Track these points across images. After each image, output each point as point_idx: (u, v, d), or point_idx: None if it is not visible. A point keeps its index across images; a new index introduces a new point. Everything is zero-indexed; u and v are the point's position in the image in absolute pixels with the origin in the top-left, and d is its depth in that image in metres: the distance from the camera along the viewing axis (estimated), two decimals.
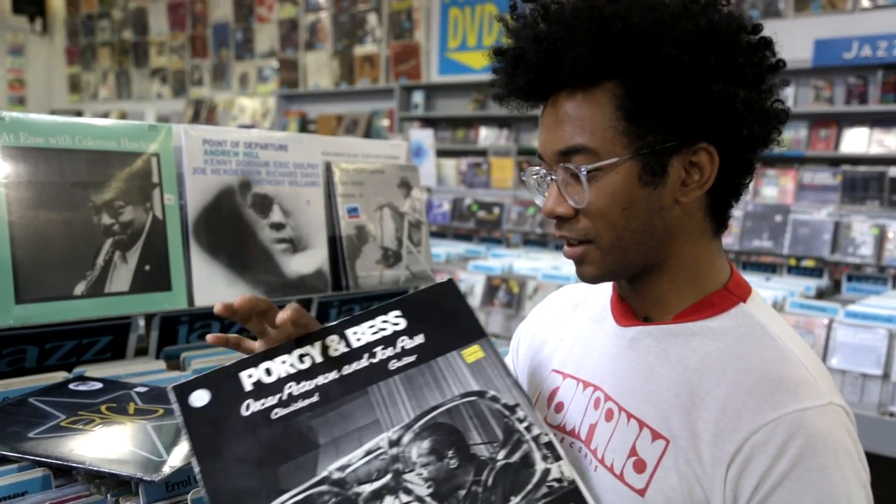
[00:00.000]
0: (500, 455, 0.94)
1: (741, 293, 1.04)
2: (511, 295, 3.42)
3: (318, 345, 1.01)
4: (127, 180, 1.47)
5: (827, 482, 0.87)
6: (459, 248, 4.44)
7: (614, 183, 0.96)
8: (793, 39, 6.30)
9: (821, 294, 3.33)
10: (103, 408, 1.21)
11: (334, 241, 1.81)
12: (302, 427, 0.94)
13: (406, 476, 0.91)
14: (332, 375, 0.99)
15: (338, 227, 1.81)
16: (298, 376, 0.98)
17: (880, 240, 3.39)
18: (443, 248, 4.29)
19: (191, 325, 1.63)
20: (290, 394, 0.96)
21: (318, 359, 1.00)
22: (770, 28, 1.00)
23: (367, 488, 0.90)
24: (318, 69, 9.98)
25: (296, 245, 1.71)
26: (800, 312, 2.83)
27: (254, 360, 0.98)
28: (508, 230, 4.84)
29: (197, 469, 0.89)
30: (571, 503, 0.92)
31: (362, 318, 1.05)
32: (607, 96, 0.96)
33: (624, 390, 1.03)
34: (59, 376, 1.36)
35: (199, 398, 0.93)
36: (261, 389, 0.96)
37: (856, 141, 6.31)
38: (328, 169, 1.83)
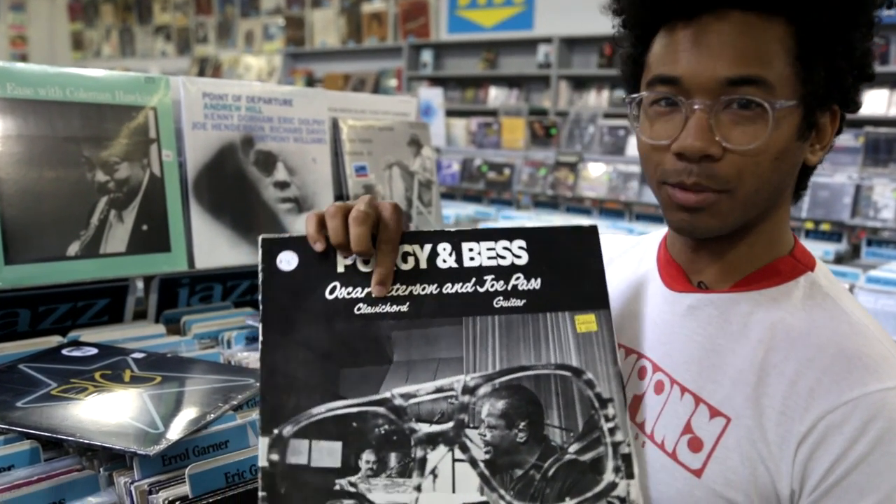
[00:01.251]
0: (573, 448, 0.85)
1: (808, 262, 0.99)
2: None
3: (427, 248, 0.92)
4: (123, 135, 1.43)
5: None
6: (469, 209, 4.44)
7: (784, 128, 0.88)
8: None
9: (840, 258, 3.31)
10: (97, 375, 1.18)
11: (341, 201, 1.76)
12: (381, 334, 0.88)
13: (468, 431, 0.85)
14: (431, 289, 0.90)
15: (345, 186, 1.78)
16: (399, 276, 0.90)
17: None
18: (452, 210, 4.28)
19: (191, 288, 1.60)
20: (393, 291, 0.90)
21: (423, 265, 0.91)
22: None
23: (424, 428, 0.84)
24: (325, 27, 9.92)
25: (301, 204, 1.67)
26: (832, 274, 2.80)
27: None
28: (519, 191, 4.81)
29: (260, 338, 0.85)
30: None
31: (483, 236, 0.94)
32: (783, 31, 0.87)
33: (678, 362, 0.97)
34: (53, 341, 1.33)
35: (287, 261, 0.89)
36: (352, 275, 0.89)
37: (876, 102, 6.27)
38: (335, 125, 1.79)
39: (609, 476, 0.85)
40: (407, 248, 0.91)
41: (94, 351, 1.27)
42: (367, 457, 0.82)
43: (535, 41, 8.21)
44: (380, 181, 1.84)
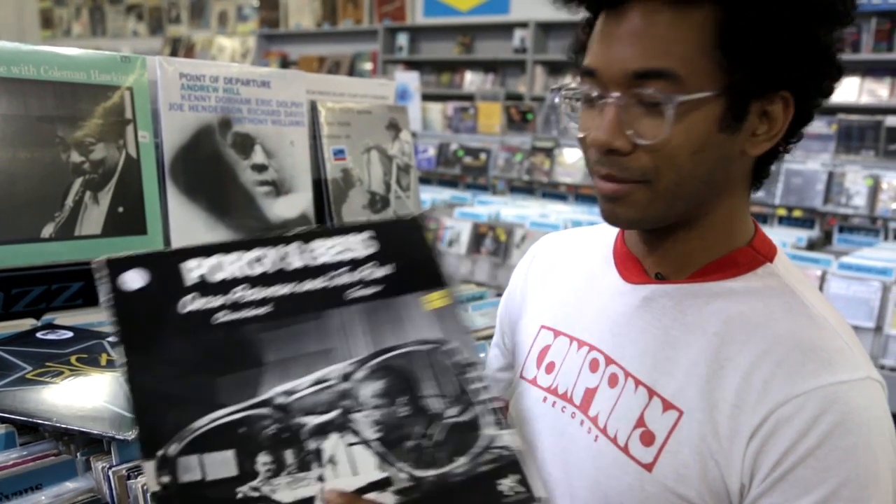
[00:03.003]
0: (451, 412, 0.89)
1: (767, 252, 0.97)
2: (498, 243, 3.40)
3: (278, 249, 0.92)
4: (98, 115, 1.42)
5: (856, 463, 0.81)
6: (445, 194, 4.45)
7: (695, 121, 0.85)
8: None
9: (812, 245, 3.34)
10: (73, 359, 1.16)
11: (319, 185, 1.76)
12: (248, 339, 0.86)
13: (354, 415, 0.86)
14: (289, 288, 0.90)
15: (323, 169, 1.77)
16: (251, 280, 0.89)
17: (874, 190, 3.40)
18: (428, 195, 4.29)
19: None
20: (238, 298, 0.87)
21: (277, 266, 0.91)
22: None
23: (312, 420, 0.84)
24: (300, 9, 9.88)
25: (279, 188, 1.67)
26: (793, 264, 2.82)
27: (205, 250, 0.89)
28: (494, 176, 4.82)
29: (122, 361, 0.80)
30: (511, 474, 0.87)
31: (332, 232, 0.96)
32: (705, 18, 0.83)
33: (632, 354, 0.96)
34: (26, 324, 1.32)
35: (133, 280, 0.84)
36: (205, 287, 0.86)
37: (847, 90, 6.32)
38: (313, 108, 1.77)
39: (488, 430, 0.88)
40: (257, 251, 0.91)
41: (69, 334, 1.26)
42: (263, 459, 0.81)
43: (511, 25, 8.21)
44: (358, 165, 1.83)
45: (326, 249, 0.93)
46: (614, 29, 0.87)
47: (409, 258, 0.97)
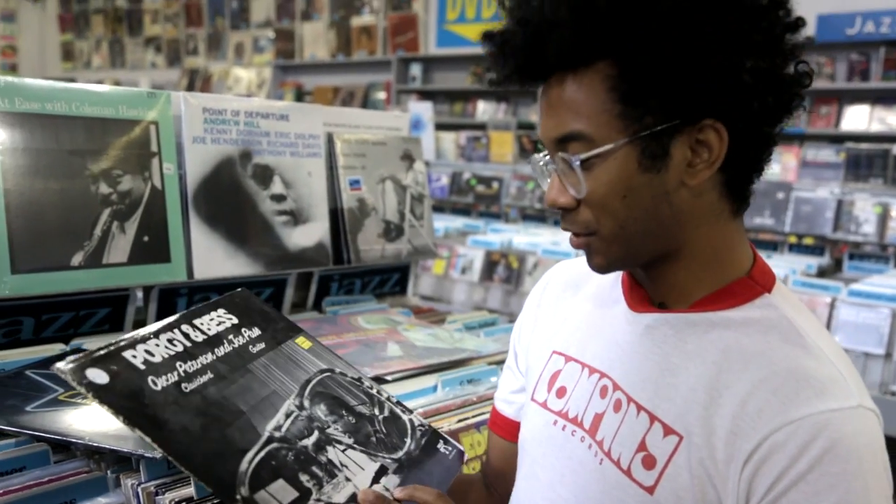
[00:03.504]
0: (376, 412, 1.10)
1: (766, 282, 0.98)
2: (511, 270, 3.40)
3: (177, 331, 1.01)
4: (125, 148, 1.45)
5: (846, 489, 0.82)
6: (457, 222, 4.44)
7: (611, 171, 0.89)
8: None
9: (822, 272, 3.33)
10: None
11: (336, 214, 1.79)
12: (217, 397, 0.95)
13: (328, 430, 1.00)
14: (210, 357, 1.01)
15: (339, 199, 1.80)
16: (182, 356, 0.98)
17: (883, 218, 3.38)
18: (441, 223, 4.27)
19: (190, 298, 1.61)
20: (185, 371, 0.96)
21: (187, 343, 1.00)
22: None
23: (308, 442, 0.97)
24: (315, 40, 9.93)
25: (297, 217, 1.69)
26: (802, 291, 2.83)
27: (126, 343, 0.94)
28: (507, 205, 4.83)
29: (149, 440, 0.85)
30: (440, 440, 1.13)
31: (201, 312, 1.08)
32: (599, 77, 0.88)
33: (636, 381, 0.97)
34: (56, 348, 1.34)
35: (97, 376, 0.87)
36: (155, 367, 0.93)
37: (857, 118, 6.29)
38: (330, 140, 1.81)
39: (405, 416, 1.13)
40: (166, 335, 0.99)
41: None
42: (303, 478, 0.92)
43: None
44: (373, 194, 1.86)
45: (209, 323, 1.07)
46: (542, 103, 0.95)
47: (263, 318, 1.15)
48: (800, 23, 0.91)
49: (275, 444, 0.93)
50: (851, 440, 0.83)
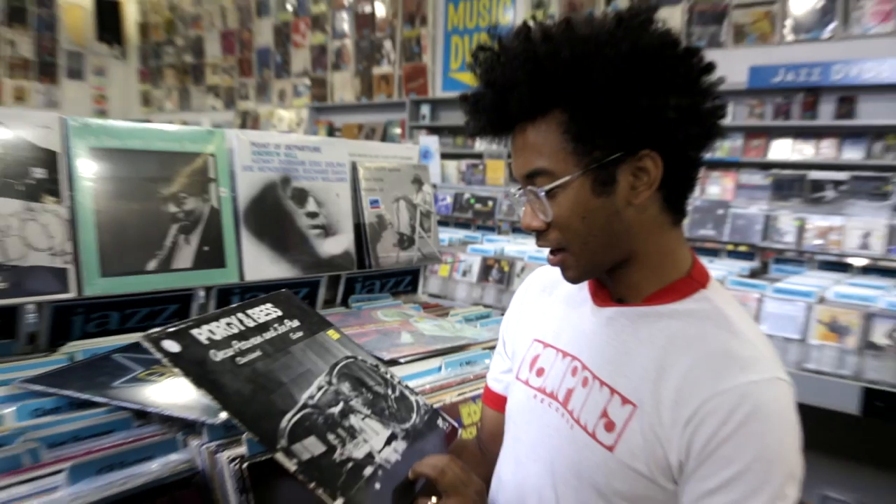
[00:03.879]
0: (389, 392, 1.10)
1: (702, 280, 0.99)
2: (502, 272, 3.41)
3: (234, 318, 1.04)
4: (189, 176, 1.46)
5: (764, 444, 0.84)
6: (459, 234, 4.43)
7: (571, 197, 0.91)
8: (732, 66, 6.29)
9: (753, 274, 3.33)
10: None
11: (359, 228, 1.80)
12: (264, 370, 0.97)
13: (351, 403, 1.02)
14: (259, 339, 1.02)
15: (362, 215, 1.81)
16: (237, 337, 1.00)
17: (801, 230, 3.38)
18: (446, 234, 4.28)
19: (242, 296, 1.62)
20: (240, 348, 0.98)
21: (241, 327, 1.02)
22: (712, 57, 0.93)
23: (335, 410, 0.98)
24: (343, 86, 9.95)
25: (327, 230, 1.71)
26: (737, 289, 2.83)
27: (192, 324, 0.97)
28: (500, 219, 4.82)
29: (210, 398, 0.88)
30: (439, 417, 1.14)
31: (251, 305, 1.09)
32: (554, 123, 0.90)
33: (599, 362, 0.98)
34: (136, 337, 1.33)
35: (171, 346, 0.91)
36: (216, 343, 0.96)
37: (781, 150, 6.31)
38: (354, 167, 1.82)
39: (412, 397, 1.14)
40: (225, 319, 1.02)
41: None
42: (330, 436, 0.93)
43: None
44: (389, 212, 1.87)
45: (258, 313, 1.08)
46: (513, 148, 0.97)
47: (301, 313, 1.16)
48: (711, 66, 0.93)
49: (308, 409, 0.94)
50: (769, 405, 0.85)
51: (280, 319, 1.10)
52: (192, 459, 0.97)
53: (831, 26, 5.96)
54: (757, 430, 0.84)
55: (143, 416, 1.06)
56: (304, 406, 0.95)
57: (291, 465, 0.86)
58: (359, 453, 0.94)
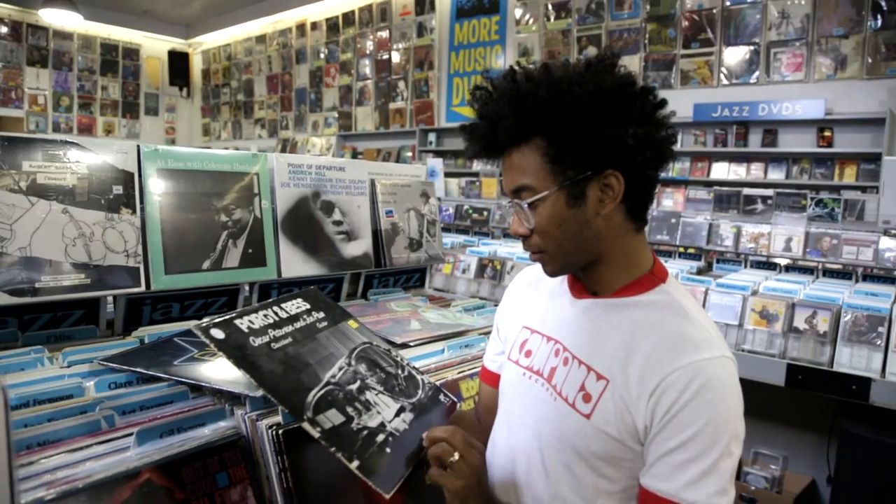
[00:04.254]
0: (399, 372, 1.08)
1: (662, 276, 0.98)
2: (495, 270, 3.39)
3: (270, 310, 1.01)
4: (237, 191, 1.46)
5: (714, 409, 0.83)
6: (460, 238, 4.42)
7: (549, 208, 0.91)
8: (680, 103, 6.28)
9: (699, 271, 3.31)
10: None
11: (376, 234, 1.79)
12: (294, 354, 0.95)
13: (367, 381, 1.00)
14: (290, 328, 1.00)
15: (379, 223, 1.80)
16: (272, 326, 0.98)
17: (737, 236, 3.37)
18: (448, 239, 4.27)
19: (279, 290, 1.61)
20: (274, 335, 0.96)
21: (276, 318, 1.00)
22: (664, 95, 0.93)
23: (353, 387, 0.97)
24: (365, 118, 9.94)
25: (350, 236, 1.69)
26: (687, 284, 2.82)
27: (237, 315, 0.96)
28: (493, 226, 4.81)
29: (249, 377, 0.87)
30: (441, 394, 1.10)
31: (285, 300, 1.07)
32: (535, 148, 0.90)
33: (578, 344, 0.97)
34: (194, 323, 1.33)
35: (217, 333, 0.90)
36: (254, 332, 0.94)
37: (720, 170, 6.30)
38: (372, 184, 1.81)
39: (418, 377, 1.10)
40: (262, 312, 1.00)
41: None
42: (349, 408, 0.92)
43: None
44: (401, 220, 1.86)
45: (290, 306, 1.06)
46: (503, 168, 0.96)
47: (326, 306, 1.12)
48: (664, 102, 0.93)
49: (330, 387, 0.93)
50: (718, 378, 0.84)
51: (308, 312, 1.08)
52: (237, 426, 0.96)
53: (756, 73, 6.00)
54: (708, 399, 0.83)
55: (197, 389, 1.05)
56: (328, 384, 0.93)
57: (315, 433, 0.85)
58: (373, 423, 0.93)
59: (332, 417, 0.89)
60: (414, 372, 1.12)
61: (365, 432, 0.90)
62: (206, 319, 0.91)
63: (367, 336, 1.14)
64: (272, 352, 0.93)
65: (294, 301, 1.09)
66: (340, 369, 0.99)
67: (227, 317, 0.94)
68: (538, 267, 1.17)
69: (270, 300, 1.05)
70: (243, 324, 0.95)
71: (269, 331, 0.97)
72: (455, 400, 1.13)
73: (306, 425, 0.85)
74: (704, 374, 0.84)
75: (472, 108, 0.98)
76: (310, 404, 0.88)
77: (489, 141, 0.95)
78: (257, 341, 0.93)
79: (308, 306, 1.10)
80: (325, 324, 1.08)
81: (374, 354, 1.09)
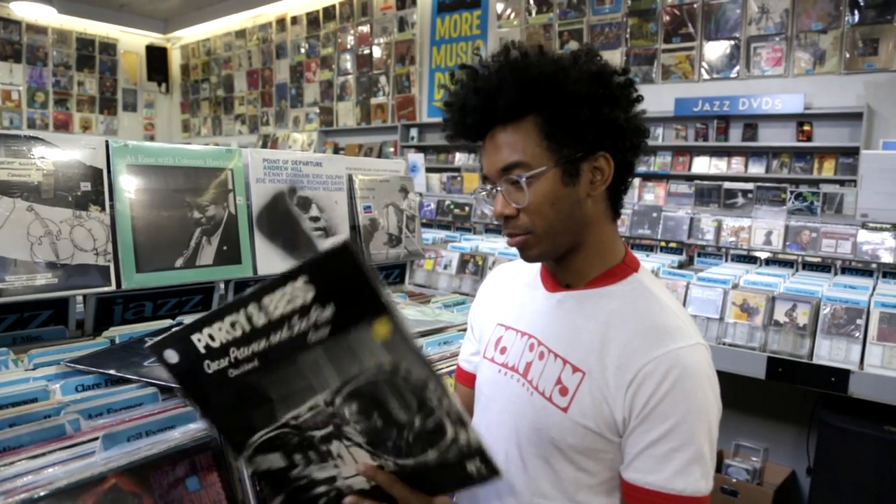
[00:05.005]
0: (417, 420, 0.74)
1: (634, 265, 0.98)
2: (477, 265, 3.38)
3: (242, 313, 0.71)
4: (211, 187, 1.43)
5: (693, 397, 0.84)
6: (441, 234, 4.41)
7: (545, 186, 0.89)
8: (661, 98, 6.31)
9: (681, 265, 3.33)
10: None
11: (355, 229, 1.77)
12: (254, 384, 0.74)
13: (344, 428, 0.76)
14: (263, 344, 0.72)
15: (357, 219, 1.78)
16: (237, 342, 0.73)
17: (718, 230, 3.39)
18: (430, 234, 4.26)
19: None
20: (235, 357, 0.73)
21: (247, 327, 0.72)
22: (645, 90, 0.95)
23: (318, 433, 0.77)
24: (346, 113, 9.89)
25: (328, 232, 1.67)
26: (668, 277, 2.82)
27: (197, 325, 0.73)
28: (475, 222, 4.80)
29: (197, 410, 0.78)
30: (477, 458, 0.74)
31: (275, 286, 0.69)
32: (532, 124, 0.89)
33: (552, 338, 0.96)
34: (167, 323, 1.33)
35: (171, 356, 0.74)
36: (211, 352, 0.73)
37: (701, 165, 6.34)
38: (350, 179, 1.79)
39: (451, 431, 0.73)
40: (230, 318, 0.72)
41: None
42: (297, 456, 0.79)
43: None
44: (380, 216, 1.84)
45: (277, 302, 0.70)
46: (487, 148, 0.93)
47: (348, 291, 0.68)
48: (640, 97, 0.94)
49: (286, 430, 0.77)
50: (695, 366, 0.85)
51: (304, 309, 0.69)
52: (208, 429, 0.93)
53: (737, 68, 6.05)
54: (687, 387, 0.84)
55: (168, 391, 1.02)
56: (284, 425, 0.77)
57: (248, 470, 0.81)
58: (320, 475, 0.80)
59: (273, 461, 0.79)
60: (448, 423, 0.74)
61: (303, 481, 0.81)
62: (162, 335, 0.76)
63: (399, 354, 0.70)
64: (227, 381, 0.74)
65: (292, 286, 0.68)
66: (311, 409, 0.76)
67: (185, 329, 0.74)
68: (511, 265, 1.16)
69: (259, 287, 0.70)
70: (201, 341, 0.73)
71: (231, 350, 0.73)
72: (497, 471, 0.76)
73: (242, 462, 0.80)
74: (681, 362, 0.84)
75: (454, 86, 0.96)
76: (252, 445, 0.79)
77: (481, 115, 0.91)
78: (212, 367, 0.74)
79: (311, 294, 0.68)
80: (322, 333, 0.70)
81: (387, 391, 0.73)
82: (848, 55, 5.48)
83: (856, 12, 5.42)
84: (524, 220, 0.92)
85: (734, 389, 2.80)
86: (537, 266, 1.08)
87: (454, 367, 1.30)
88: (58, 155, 1.22)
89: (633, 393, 0.85)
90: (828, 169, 5.70)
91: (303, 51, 10.36)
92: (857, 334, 2.33)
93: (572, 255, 0.96)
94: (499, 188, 0.92)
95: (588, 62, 0.90)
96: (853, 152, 5.49)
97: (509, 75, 0.89)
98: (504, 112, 0.90)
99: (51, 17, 10.40)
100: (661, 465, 0.84)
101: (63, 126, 11.32)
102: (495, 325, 1.09)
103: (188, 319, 1.32)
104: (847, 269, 3.05)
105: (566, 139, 0.89)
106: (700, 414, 0.84)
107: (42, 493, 0.73)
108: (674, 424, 0.83)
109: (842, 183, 5.34)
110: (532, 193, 0.90)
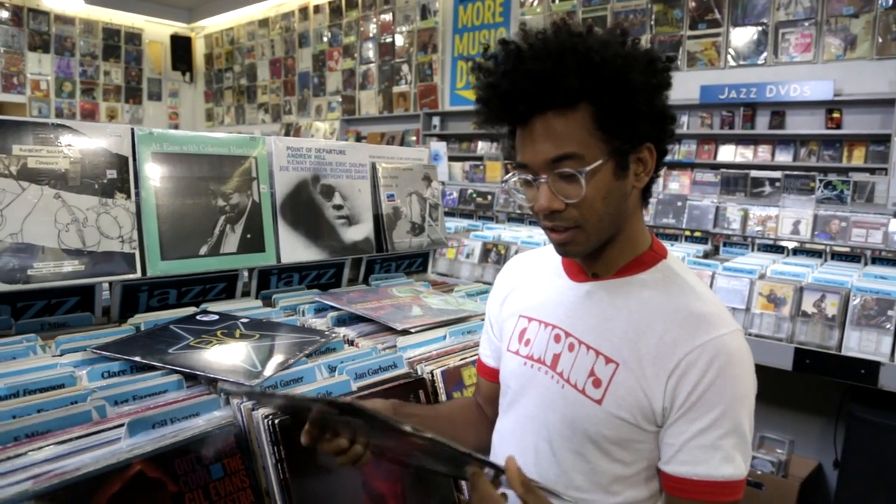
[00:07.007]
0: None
1: (662, 252, 0.96)
2: (500, 255, 3.36)
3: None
4: (235, 175, 1.43)
5: (737, 384, 0.84)
6: (464, 223, 4.39)
7: (599, 179, 0.84)
8: (686, 85, 6.21)
9: (706, 255, 3.28)
10: (219, 332, 1.18)
11: (377, 218, 1.76)
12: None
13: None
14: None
15: (380, 207, 1.76)
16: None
17: (745, 219, 3.33)
18: (452, 223, 4.24)
19: (279, 276, 1.59)
20: None
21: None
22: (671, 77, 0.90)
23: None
24: (368, 102, 9.88)
25: (351, 220, 1.66)
26: (693, 267, 2.78)
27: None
28: (497, 210, 4.77)
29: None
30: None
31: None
32: (585, 114, 0.82)
33: (583, 328, 0.94)
34: (190, 310, 1.33)
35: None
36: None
37: (727, 153, 6.24)
38: (373, 167, 1.78)
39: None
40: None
41: (216, 317, 1.27)
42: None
43: None
44: (403, 204, 1.83)
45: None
46: (528, 136, 0.86)
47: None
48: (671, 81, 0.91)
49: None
50: (738, 353, 0.84)
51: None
52: (232, 416, 0.93)
53: (764, 55, 5.92)
54: (732, 375, 0.83)
55: (192, 378, 1.03)
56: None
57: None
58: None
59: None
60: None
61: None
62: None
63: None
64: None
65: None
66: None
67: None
68: (526, 255, 1.13)
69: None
70: None
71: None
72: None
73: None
74: (725, 350, 0.83)
75: (490, 63, 0.88)
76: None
77: (532, 102, 0.84)
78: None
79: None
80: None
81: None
82: (880, 40, 5.33)
83: None
84: (573, 214, 0.87)
85: (760, 381, 2.74)
86: (557, 256, 1.03)
87: (476, 356, 1.29)
88: (84, 143, 1.22)
89: (676, 382, 0.84)
90: (857, 157, 5.56)
91: (325, 39, 10.36)
92: (888, 326, 2.28)
93: (606, 245, 0.93)
94: (543, 179, 0.86)
95: (635, 46, 0.86)
96: (884, 140, 5.35)
97: (571, 59, 0.81)
98: (566, 97, 0.83)
99: (78, 8, 10.51)
100: (708, 455, 0.83)
101: (90, 115, 11.48)
102: (518, 317, 1.07)
103: (211, 307, 1.34)
104: (878, 260, 2.97)
105: (618, 130, 0.84)
106: (744, 400, 0.84)
107: (69, 479, 0.73)
108: (721, 413, 0.83)
109: (872, 171, 5.21)
110: (588, 187, 0.85)
